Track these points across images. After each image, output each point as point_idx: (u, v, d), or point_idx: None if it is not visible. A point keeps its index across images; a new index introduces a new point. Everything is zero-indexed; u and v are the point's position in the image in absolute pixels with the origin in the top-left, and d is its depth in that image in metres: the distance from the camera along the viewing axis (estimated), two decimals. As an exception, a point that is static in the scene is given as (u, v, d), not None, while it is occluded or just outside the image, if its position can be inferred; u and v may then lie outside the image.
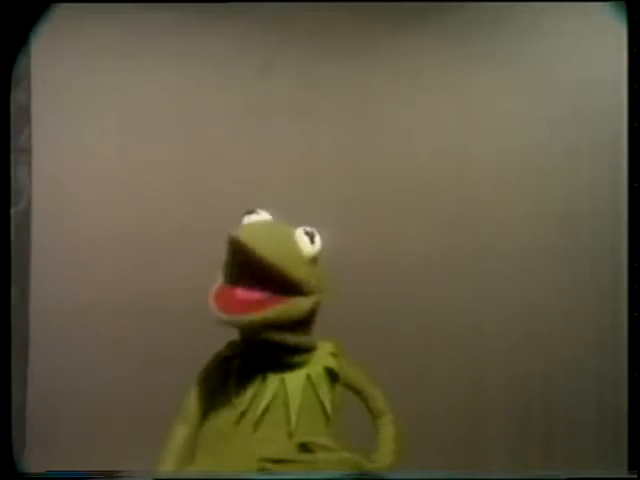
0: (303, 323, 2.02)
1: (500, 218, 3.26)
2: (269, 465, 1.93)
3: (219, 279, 1.99)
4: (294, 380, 2.02)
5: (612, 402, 3.12)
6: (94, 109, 3.16)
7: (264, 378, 2.01)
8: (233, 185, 3.15)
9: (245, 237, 1.90)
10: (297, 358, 2.04)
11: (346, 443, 2.08)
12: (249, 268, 1.91)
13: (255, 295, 1.93)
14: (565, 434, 3.22)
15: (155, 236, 3.12)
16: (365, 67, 3.27)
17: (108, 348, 3.07)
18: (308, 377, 2.03)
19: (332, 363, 2.08)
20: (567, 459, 3.16)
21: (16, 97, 2.93)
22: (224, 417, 2.01)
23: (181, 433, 2.05)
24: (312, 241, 1.99)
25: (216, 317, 1.93)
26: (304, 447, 1.98)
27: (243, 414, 1.99)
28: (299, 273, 1.95)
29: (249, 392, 2.00)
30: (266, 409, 1.99)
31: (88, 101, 3.15)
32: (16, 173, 2.95)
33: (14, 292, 2.87)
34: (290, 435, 1.98)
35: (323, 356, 2.08)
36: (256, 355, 2.03)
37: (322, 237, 2.03)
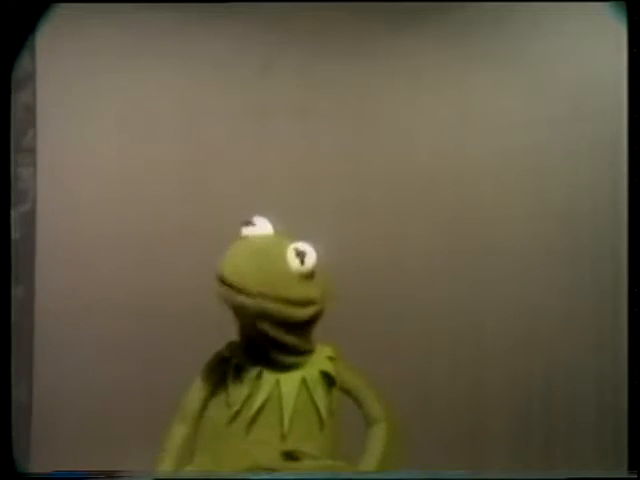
0: (301, 326, 2.02)
1: (500, 218, 3.26)
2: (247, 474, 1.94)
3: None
4: (289, 382, 2.02)
5: (612, 402, 3.12)
6: (94, 109, 3.16)
7: (259, 378, 2.01)
8: (233, 185, 3.15)
9: (228, 271, 1.95)
10: (293, 359, 2.04)
11: (344, 447, 2.08)
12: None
13: None
14: (565, 434, 3.22)
15: (155, 236, 3.12)
16: (365, 67, 3.27)
17: (108, 348, 3.07)
18: (303, 380, 2.03)
19: (329, 367, 2.07)
20: (567, 459, 3.16)
21: (21, 98, 2.94)
22: (220, 417, 2.02)
23: (179, 433, 2.06)
24: (302, 262, 1.97)
25: (218, 292, 1.95)
26: (289, 455, 1.97)
27: (237, 414, 1.99)
28: (290, 293, 1.96)
29: (244, 392, 2.00)
30: (260, 410, 1.99)
31: (88, 101, 3.15)
32: (21, 173, 2.95)
33: (19, 291, 2.88)
34: (283, 437, 1.99)
35: (320, 360, 2.08)
36: (253, 354, 2.03)
37: (321, 237, 2.03)
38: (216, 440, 2.01)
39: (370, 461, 2.04)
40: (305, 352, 2.06)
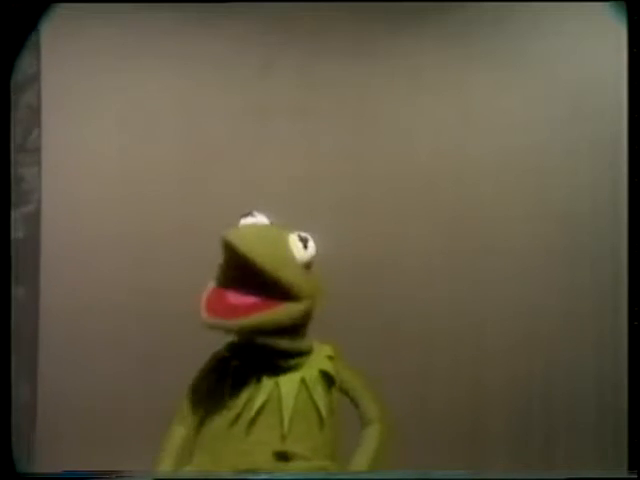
0: (295, 328, 2.01)
1: (500, 218, 3.26)
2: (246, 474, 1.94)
3: (211, 283, 2.00)
4: (288, 383, 2.01)
5: (612, 402, 3.12)
6: (94, 109, 3.16)
7: (259, 380, 2.01)
8: (233, 185, 3.15)
9: (236, 239, 1.90)
10: (291, 362, 2.03)
11: (346, 446, 2.08)
12: (240, 271, 1.91)
13: (245, 299, 1.93)
14: (565, 434, 3.22)
15: (155, 236, 3.12)
16: (365, 67, 3.27)
17: (111, 347, 3.07)
18: (303, 380, 2.03)
19: (328, 366, 2.07)
20: (567, 459, 3.16)
21: (25, 98, 2.94)
22: (220, 418, 2.02)
23: (178, 434, 2.06)
24: (305, 247, 1.99)
25: (203, 320, 1.94)
26: (281, 455, 1.98)
27: (238, 416, 1.99)
28: (289, 277, 1.94)
29: (244, 394, 2.00)
30: (259, 412, 1.99)
31: (88, 102, 3.15)
32: (26, 173, 2.95)
33: (24, 292, 2.88)
34: (283, 438, 1.98)
35: (320, 359, 2.07)
36: (253, 357, 2.03)
37: (322, 237, 2.04)
38: (216, 441, 2.01)
39: (361, 462, 2.04)
40: (302, 353, 2.05)
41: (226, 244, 1.91)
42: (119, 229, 3.11)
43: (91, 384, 3.04)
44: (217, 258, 1.99)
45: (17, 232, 2.92)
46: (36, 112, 2.98)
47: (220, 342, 2.11)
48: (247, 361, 2.04)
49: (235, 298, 1.93)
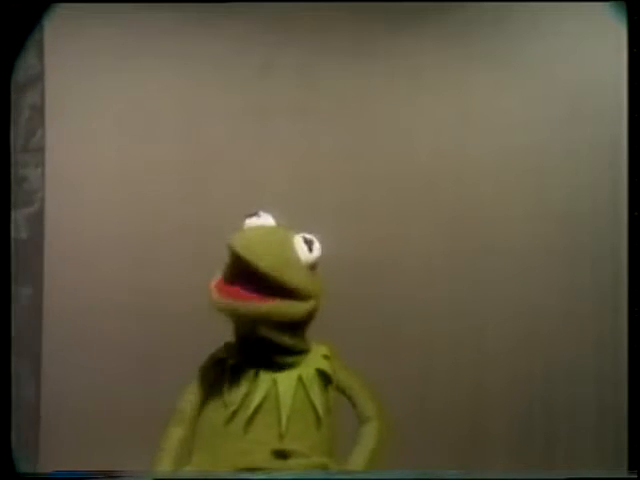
0: (298, 325, 2.03)
1: (500, 218, 3.26)
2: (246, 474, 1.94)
3: (218, 274, 2.00)
4: (286, 381, 2.02)
5: (612, 402, 3.11)
6: (94, 109, 3.16)
7: (256, 378, 2.02)
8: (233, 185, 3.15)
9: (241, 247, 1.93)
10: (289, 359, 2.04)
11: (342, 445, 2.08)
12: (247, 274, 1.93)
13: (254, 294, 1.95)
14: (565, 434, 3.22)
15: (155, 236, 3.12)
16: (365, 67, 3.27)
17: (109, 348, 3.07)
18: (300, 379, 2.03)
19: (325, 365, 2.08)
20: (567, 459, 3.16)
21: (29, 99, 2.94)
22: (217, 416, 2.02)
23: (176, 435, 2.06)
24: (310, 249, 2.01)
25: (214, 301, 1.95)
26: (280, 454, 1.98)
27: (235, 413, 2.00)
28: (295, 280, 1.97)
29: (241, 392, 2.01)
30: (257, 410, 1.99)
31: (89, 102, 3.15)
32: (29, 174, 2.95)
33: (28, 292, 2.88)
34: (281, 437, 1.99)
35: (316, 358, 2.08)
36: (250, 355, 2.04)
37: (322, 237, 2.04)
38: (214, 440, 2.02)
39: (359, 459, 2.06)
40: (301, 352, 2.06)
41: (231, 249, 1.93)
42: (122, 229, 3.11)
43: (92, 384, 3.04)
44: (217, 258, 2.00)
45: (21, 232, 2.92)
46: (40, 112, 2.99)
47: (220, 342, 2.12)
48: (244, 359, 2.04)
49: (244, 292, 1.95)
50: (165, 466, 2.03)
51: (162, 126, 3.19)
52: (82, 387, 3.03)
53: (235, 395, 2.01)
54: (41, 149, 2.98)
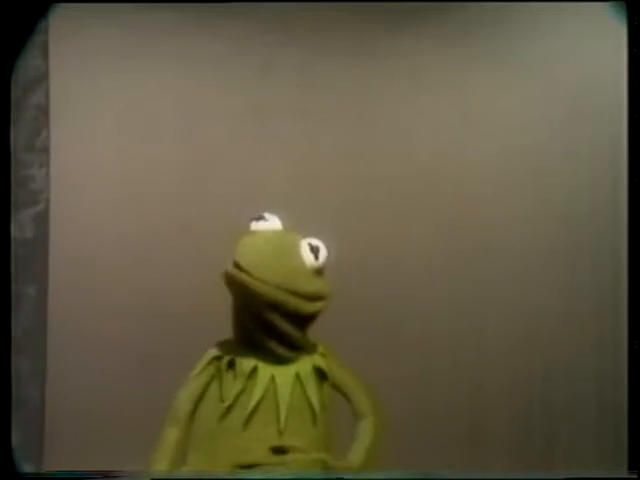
0: (304, 320, 2.05)
1: (500, 218, 3.26)
2: (243, 471, 1.95)
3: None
4: (283, 377, 2.03)
5: (612, 402, 3.12)
6: (94, 110, 3.15)
7: (254, 374, 2.02)
8: (233, 185, 3.15)
9: (241, 279, 1.95)
10: (288, 353, 2.05)
11: (338, 442, 2.08)
12: None
13: None
14: (566, 434, 3.22)
15: (155, 236, 3.12)
16: (365, 67, 3.27)
17: (110, 347, 3.07)
18: (297, 375, 2.05)
19: (321, 363, 2.09)
20: (568, 459, 3.16)
21: (34, 99, 2.94)
22: (213, 414, 2.03)
23: (172, 436, 2.07)
24: (317, 257, 2.03)
25: (230, 273, 1.96)
26: (278, 450, 1.99)
27: (230, 410, 2.00)
28: (305, 287, 2.00)
29: (237, 387, 2.01)
30: (256, 407, 2.00)
31: (89, 102, 3.15)
32: (34, 173, 2.95)
33: (33, 291, 2.88)
34: (280, 434, 2.00)
35: (312, 356, 2.10)
36: (248, 347, 2.04)
37: (321, 238, 2.05)
38: (210, 437, 2.02)
39: (358, 453, 2.08)
40: (300, 347, 2.07)
41: (231, 281, 1.98)
42: (124, 228, 3.11)
43: (95, 384, 3.04)
44: (217, 258, 2.00)
45: (26, 232, 2.92)
46: (45, 112, 2.99)
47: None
48: (242, 355, 2.04)
49: None
50: (161, 467, 2.03)
51: (162, 126, 3.18)
52: (86, 387, 3.03)
53: (230, 391, 2.02)
54: (46, 149, 2.98)
